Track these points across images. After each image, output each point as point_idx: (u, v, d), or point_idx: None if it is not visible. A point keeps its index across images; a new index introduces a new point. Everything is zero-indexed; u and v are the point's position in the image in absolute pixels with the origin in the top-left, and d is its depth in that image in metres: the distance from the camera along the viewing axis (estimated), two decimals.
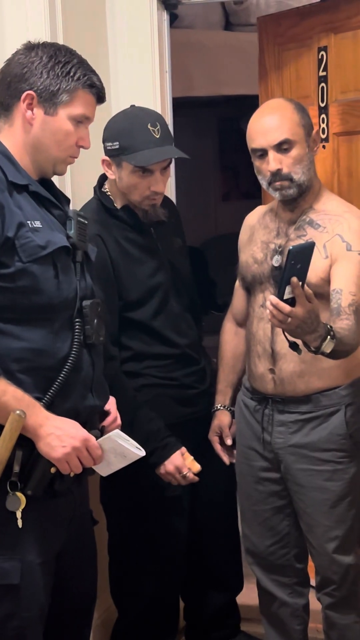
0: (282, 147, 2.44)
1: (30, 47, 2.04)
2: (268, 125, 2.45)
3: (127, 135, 2.53)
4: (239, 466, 2.73)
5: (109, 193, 2.66)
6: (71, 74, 2.02)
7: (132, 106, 2.67)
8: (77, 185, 2.76)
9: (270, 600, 2.76)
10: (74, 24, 2.82)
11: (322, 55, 3.12)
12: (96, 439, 2.01)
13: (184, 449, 2.60)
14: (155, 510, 2.69)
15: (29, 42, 2.06)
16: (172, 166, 3.05)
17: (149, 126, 2.54)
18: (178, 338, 2.69)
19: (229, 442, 2.77)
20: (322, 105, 3.14)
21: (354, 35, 3.03)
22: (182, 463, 2.58)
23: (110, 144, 2.56)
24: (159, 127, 2.56)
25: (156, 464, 2.57)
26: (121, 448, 2.03)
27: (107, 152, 2.58)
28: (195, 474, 2.61)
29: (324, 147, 3.10)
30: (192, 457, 2.61)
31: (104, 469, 2.07)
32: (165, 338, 2.66)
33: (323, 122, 3.13)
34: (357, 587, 2.64)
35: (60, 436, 1.93)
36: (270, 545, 2.68)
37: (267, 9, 4.70)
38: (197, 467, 2.60)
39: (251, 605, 2.97)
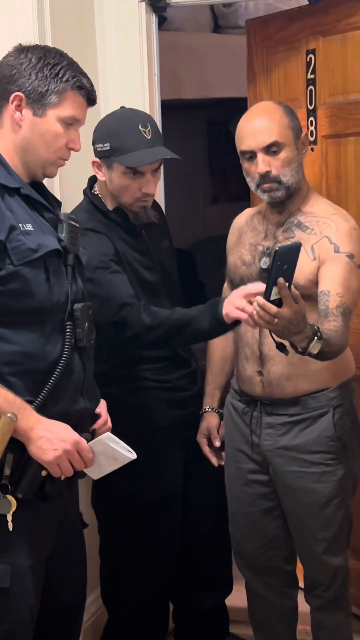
0: (271, 149, 2.45)
1: (20, 50, 2.04)
2: (257, 127, 2.46)
3: (118, 136, 2.52)
4: (228, 468, 2.73)
5: (99, 195, 2.66)
6: (60, 75, 2.02)
7: (122, 107, 2.66)
8: (66, 187, 2.76)
9: (259, 602, 2.76)
10: (62, 27, 2.82)
11: (311, 58, 3.13)
12: (87, 442, 2.01)
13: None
14: (146, 512, 2.69)
15: (20, 44, 2.06)
16: (161, 168, 3.05)
17: (139, 127, 2.53)
18: None
19: (217, 443, 2.77)
20: (311, 108, 3.15)
21: (342, 38, 3.04)
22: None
23: (100, 145, 2.55)
24: (149, 127, 2.55)
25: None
26: (112, 451, 2.03)
27: (98, 153, 2.57)
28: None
29: (312, 149, 3.11)
30: None
31: (95, 472, 2.07)
32: None
33: (311, 125, 3.14)
34: (346, 588, 2.65)
35: (51, 439, 1.94)
36: (259, 547, 2.68)
37: (256, 11, 4.70)
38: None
39: (240, 608, 2.96)
